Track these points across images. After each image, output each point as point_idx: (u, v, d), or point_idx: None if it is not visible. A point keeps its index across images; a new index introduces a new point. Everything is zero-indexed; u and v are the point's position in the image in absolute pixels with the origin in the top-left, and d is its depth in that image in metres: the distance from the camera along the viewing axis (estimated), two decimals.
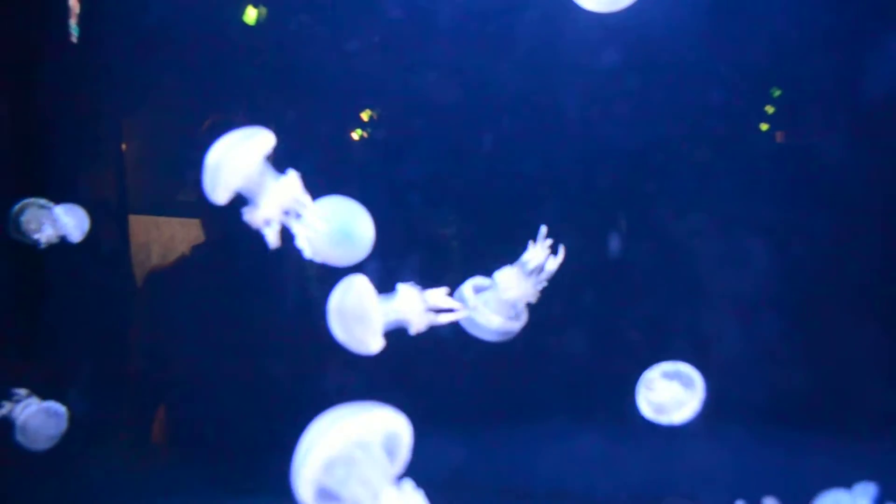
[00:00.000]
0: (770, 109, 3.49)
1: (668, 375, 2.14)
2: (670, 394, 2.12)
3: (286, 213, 1.58)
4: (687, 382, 2.13)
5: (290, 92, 3.42)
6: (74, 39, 3.27)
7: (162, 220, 3.55)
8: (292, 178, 1.58)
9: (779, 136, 3.53)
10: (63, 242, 2.69)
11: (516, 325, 1.70)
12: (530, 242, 1.67)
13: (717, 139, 3.40)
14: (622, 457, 3.05)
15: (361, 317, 1.60)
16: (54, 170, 3.18)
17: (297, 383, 3.21)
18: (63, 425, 2.57)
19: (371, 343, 1.61)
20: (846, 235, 3.13)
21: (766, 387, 3.00)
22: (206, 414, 3.24)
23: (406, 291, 1.63)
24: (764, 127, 3.50)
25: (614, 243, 3.37)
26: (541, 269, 1.67)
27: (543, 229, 1.65)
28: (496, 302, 1.68)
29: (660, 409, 2.13)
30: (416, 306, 1.62)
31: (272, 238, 1.58)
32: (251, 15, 3.47)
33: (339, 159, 3.56)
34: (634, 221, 3.47)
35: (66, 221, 2.64)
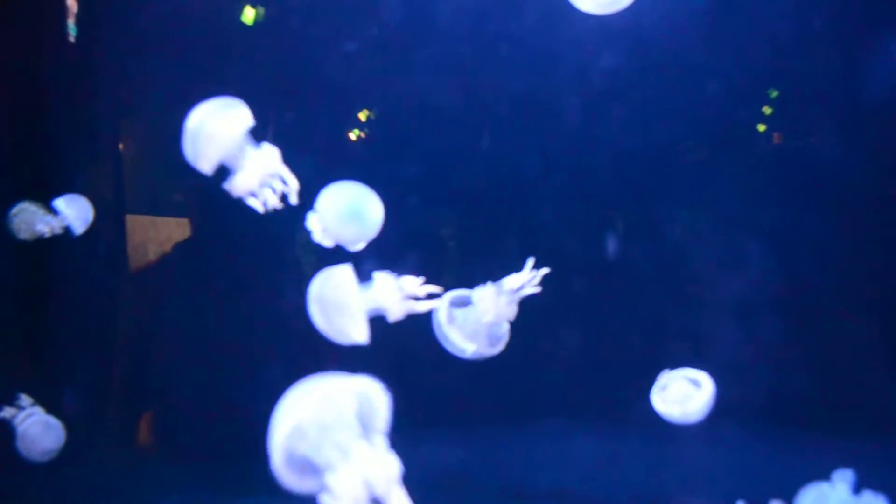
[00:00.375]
0: (768, 110, 3.50)
1: (679, 378, 2.15)
2: (680, 393, 2.12)
3: (270, 186, 1.59)
4: (695, 383, 2.14)
5: (288, 92, 3.42)
6: (72, 39, 3.27)
7: (159, 219, 3.55)
8: (270, 149, 1.59)
9: (776, 137, 3.53)
10: (65, 237, 2.67)
11: (492, 352, 1.66)
12: (520, 270, 1.63)
13: (714, 140, 3.40)
14: (622, 457, 3.05)
15: (340, 306, 1.60)
16: (52, 169, 3.17)
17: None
18: (61, 440, 2.55)
19: (352, 332, 1.60)
20: (845, 236, 3.14)
21: (766, 387, 3.00)
22: (200, 414, 3.23)
23: (382, 279, 1.63)
24: (761, 128, 3.50)
25: (612, 243, 3.37)
26: (520, 289, 1.63)
27: (531, 261, 1.61)
28: (474, 323, 1.63)
29: (670, 407, 2.13)
30: (392, 294, 1.61)
31: (258, 207, 1.58)
32: (249, 15, 3.47)
33: (337, 159, 3.55)
34: (631, 222, 3.47)
35: (68, 213, 2.63)
